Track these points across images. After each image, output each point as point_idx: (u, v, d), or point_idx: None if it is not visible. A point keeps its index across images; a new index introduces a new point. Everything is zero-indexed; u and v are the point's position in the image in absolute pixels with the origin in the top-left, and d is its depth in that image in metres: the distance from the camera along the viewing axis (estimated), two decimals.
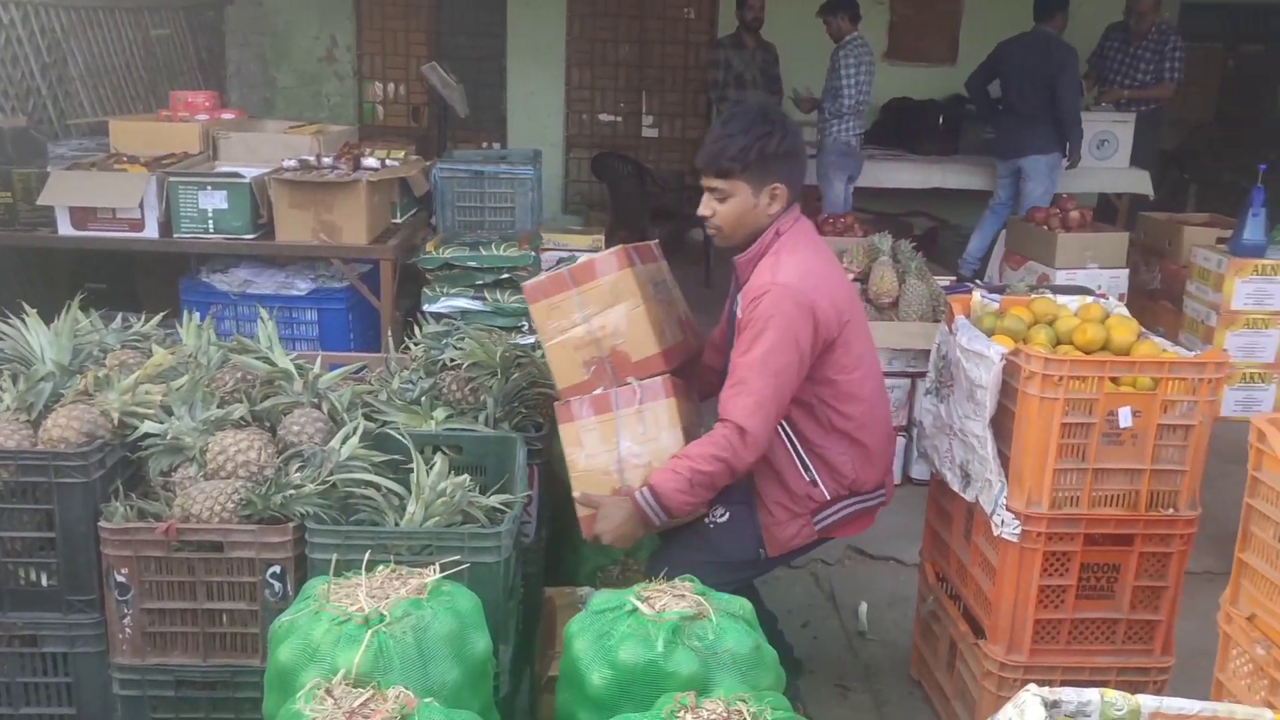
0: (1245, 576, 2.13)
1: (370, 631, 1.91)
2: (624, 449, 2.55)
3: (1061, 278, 5.55)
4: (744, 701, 1.95)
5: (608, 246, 5.09)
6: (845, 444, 2.65)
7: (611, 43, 8.80)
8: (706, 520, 2.70)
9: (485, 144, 8.35)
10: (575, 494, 2.64)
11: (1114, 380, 2.59)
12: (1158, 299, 5.79)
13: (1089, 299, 3.00)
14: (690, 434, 2.61)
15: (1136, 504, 2.58)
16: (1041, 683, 2.63)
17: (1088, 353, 2.71)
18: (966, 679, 2.83)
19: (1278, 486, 2.01)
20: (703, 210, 2.65)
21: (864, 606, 3.54)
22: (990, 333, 2.80)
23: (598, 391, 2.59)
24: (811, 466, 2.64)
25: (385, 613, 2.00)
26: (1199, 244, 5.39)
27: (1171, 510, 2.58)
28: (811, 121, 7.16)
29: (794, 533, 2.66)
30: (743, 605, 2.32)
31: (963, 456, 2.81)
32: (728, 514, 2.68)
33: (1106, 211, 7.89)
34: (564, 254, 5.03)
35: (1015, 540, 2.59)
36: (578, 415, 2.58)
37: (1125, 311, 2.91)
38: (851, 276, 4.51)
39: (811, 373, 2.58)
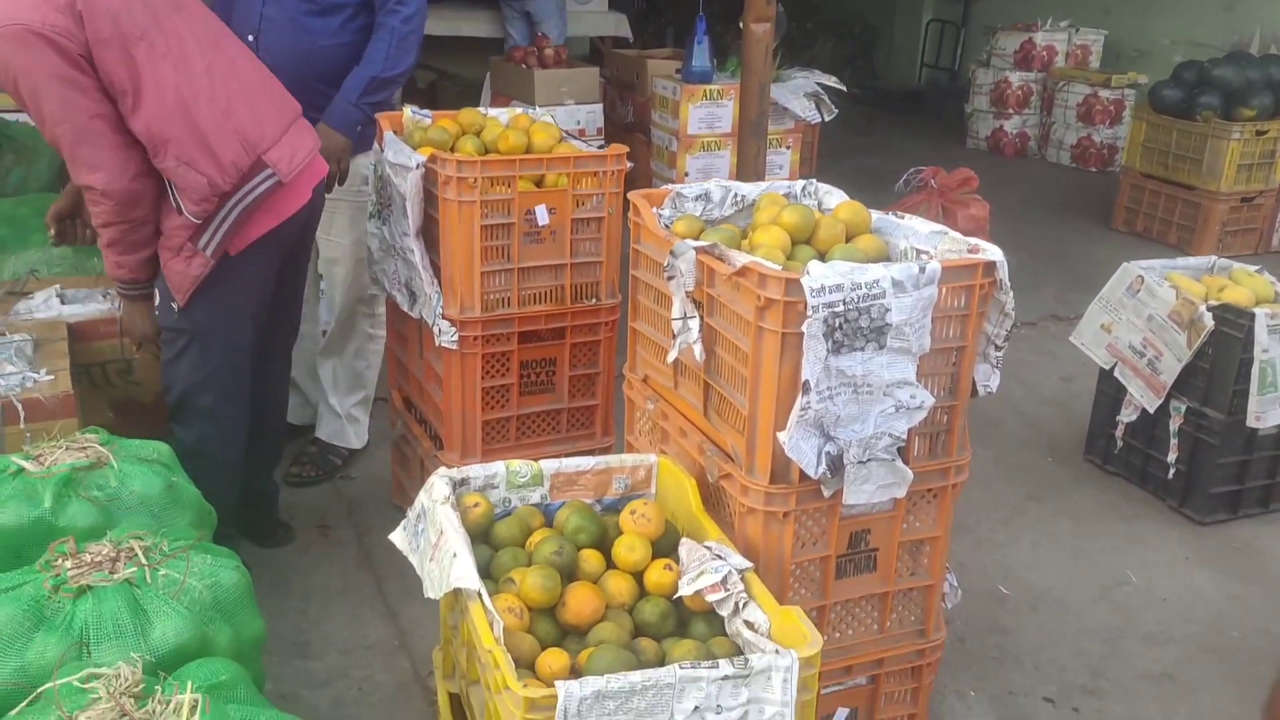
0: (639, 344, 2.31)
1: None
2: None
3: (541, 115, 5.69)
4: (139, 539, 1.82)
5: None
6: (182, 151, 2.32)
7: None
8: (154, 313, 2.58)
9: None
10: None
11: (538, 184, 2.67)
12: (632, 131, 6.13)
13: (519, 110, 3.06)
14: None
15: (563, 298, 2.71)
16: None
17: None
18: None
19: (653, 255, 2.17)
20: None
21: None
22: (418, 146, 2.77)
23: None
24: (176, 194, 2.37)
25: None
26: (660, 75, 5.74)
27: (594, 300, 2.74)
28: None
29: (182, 269, 2.44)
30: (157, 449, 2.17)
31: (406, 275, 2.78)
32: (157, 292, 2.55)
33: (596, 58, 8.21)
34: None
35: (455, 348, 2.63)
36: None
37: (551, 120, 3.00)
38: None
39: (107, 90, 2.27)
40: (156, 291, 2.56)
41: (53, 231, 2.76)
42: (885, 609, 2.06)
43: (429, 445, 2.87)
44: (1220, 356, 3.20)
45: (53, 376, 2.41)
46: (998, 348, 2.01)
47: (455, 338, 2.62)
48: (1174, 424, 3.34)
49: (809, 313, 1.74)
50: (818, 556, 1.95)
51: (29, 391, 2.35)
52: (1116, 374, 3.48)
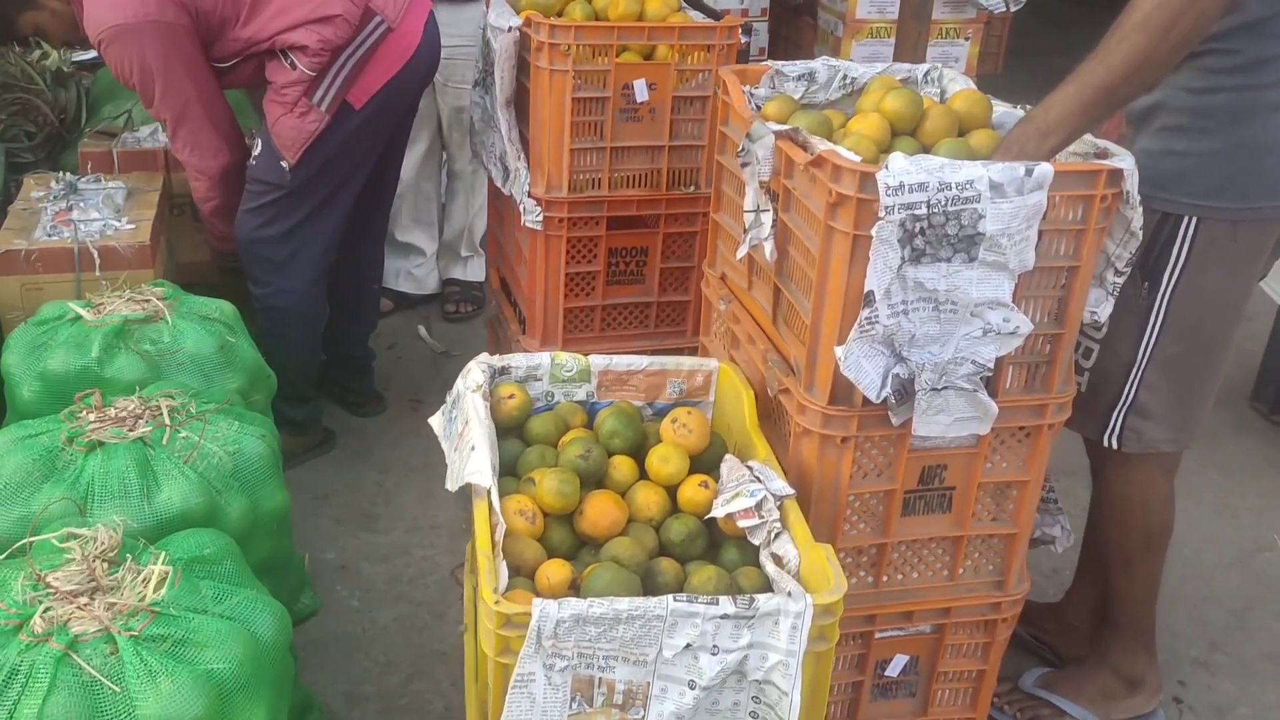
0: (720, 238, 2.10)
1: None
2: None
3: None
4: (169, 398, 1.78)
5: None
6: (295, 18, 2.36)
7: None
8: (249, 164, 2.59)
9: None
10: None
11: (646, 58, 2.46)
12: (800, 15, 5.75)
13: None
14: None
15: (658, 183, 2.51)
16: None
17: None
18: None
19: (738, 139, 1.94)
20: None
21: (421, 329, 3.55)
22: (523, 10, 2.59)
23: None
24: (288, 53, 2.39)
25: None
26: None
27: (693, 188, 2.54)
28: None
29: (296, 124, 2.44)
30: (221, 308, 2.13)
31: (501, 149, 2.64)
32: (258, 141, 2.57)
33: None
34: None
35: (539, 228, 2.48)
36: None
37: None
38: None
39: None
40: (259, 141, 2.53)
41: None
42: (958, 554, 1.84)
43: (516, 328, 2.77)
44: None
45: (134, 226, 2.40)
46: (1118, 272, 1.71)
47: (540, 218, 2.47)
48: None
49: (882, 213, 1.50)
50: (881, 489, 1.74)
51: (108, 239, 2.34)
52: None
